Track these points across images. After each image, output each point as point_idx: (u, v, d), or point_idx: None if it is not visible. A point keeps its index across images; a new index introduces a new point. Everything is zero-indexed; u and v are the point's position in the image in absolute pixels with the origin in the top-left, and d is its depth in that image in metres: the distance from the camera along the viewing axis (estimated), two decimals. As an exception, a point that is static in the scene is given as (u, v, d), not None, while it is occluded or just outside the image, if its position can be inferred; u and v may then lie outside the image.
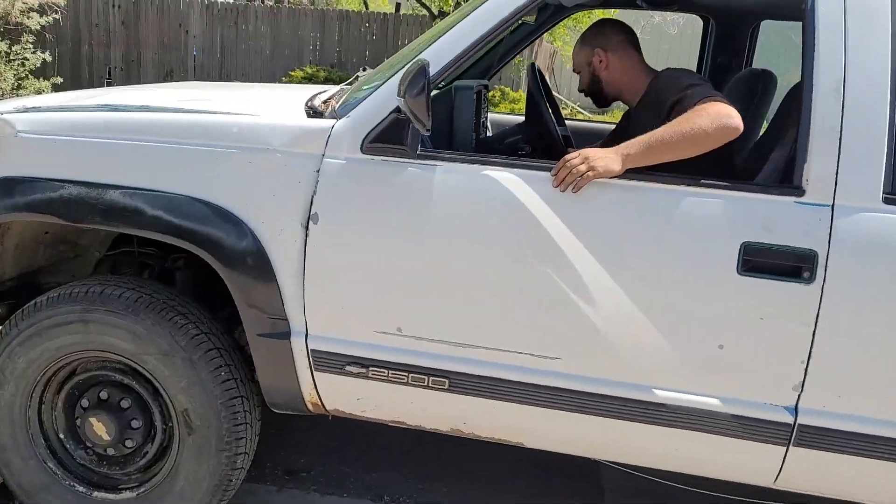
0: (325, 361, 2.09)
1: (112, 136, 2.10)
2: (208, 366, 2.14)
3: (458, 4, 10.71)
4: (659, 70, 2.44)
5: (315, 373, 2.11)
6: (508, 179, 1.96)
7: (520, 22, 2.65)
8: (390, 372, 2.06)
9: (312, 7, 14.76)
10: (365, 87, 2.36)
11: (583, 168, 1.90)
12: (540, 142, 2.44)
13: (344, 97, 2.26)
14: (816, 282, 1.85)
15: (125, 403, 2.25)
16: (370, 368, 2.07)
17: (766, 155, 2.36)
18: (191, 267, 2.45)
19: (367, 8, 14.92)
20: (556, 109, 2.48)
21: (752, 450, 1.97)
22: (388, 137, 1.99)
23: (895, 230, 1.84)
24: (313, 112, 2.17)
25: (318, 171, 2.01)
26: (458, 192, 1.98)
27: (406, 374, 2.06)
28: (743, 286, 1.88)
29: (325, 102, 2.29)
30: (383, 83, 2.05)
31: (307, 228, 2.01)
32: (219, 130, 2.08)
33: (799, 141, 1.90)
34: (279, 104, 2.52)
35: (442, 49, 2.00)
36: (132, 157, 2.07)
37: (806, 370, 1.89)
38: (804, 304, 1.86)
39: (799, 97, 2.28)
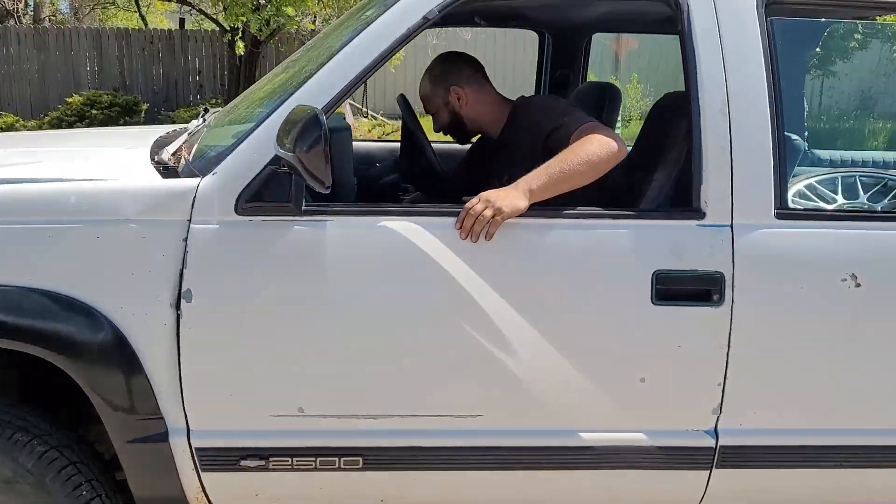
0: (214, 459, 1.79)
1: None
2: (65, 487, 1.76)
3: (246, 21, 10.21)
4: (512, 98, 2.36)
5: (202, 474, 1.81)
6: (409, 230, 1.77)
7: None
8: (295, 459, 1.81)
9: (85, 26, 13.48)
10: (213, 128, 2.07)
11: (488, 213, 1.76)
12: (422, 179, 2.27)
13: (196, 148, 1.96)
14: (726, 303, 1.84)
15: (-46, 550, 1.80)
16: (270, 459, 1.80)
17: (639, 175, 2.35)
18: (15, 363, 2.01)
19: (146, 25, 13.91)
20: (428, 141, 2.32)
21: (677, 478, 1.94)
22: (268, 194, 1.72)
23: (789, 244, 1.87)
24: (165, 169, 1.85)
25: (185, 241, 1.70)
26: (354, 249, 1.76)
27: (314, 458, 1.82)
28: (658, 315, 1.83)
29: (174, 155, 1.96)
30: (253, 129, 1.76)
31: (178, 308, 1.70)
32: (51, 202, 1.71)
33: (693, 163, 1.88)
34: (118, 161, 2.14)
35: (325, 83, 1.75)
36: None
37: (723, 392, 1.88)
38: (717, 327, 1.85)
39: (665, 115, 2.32)
